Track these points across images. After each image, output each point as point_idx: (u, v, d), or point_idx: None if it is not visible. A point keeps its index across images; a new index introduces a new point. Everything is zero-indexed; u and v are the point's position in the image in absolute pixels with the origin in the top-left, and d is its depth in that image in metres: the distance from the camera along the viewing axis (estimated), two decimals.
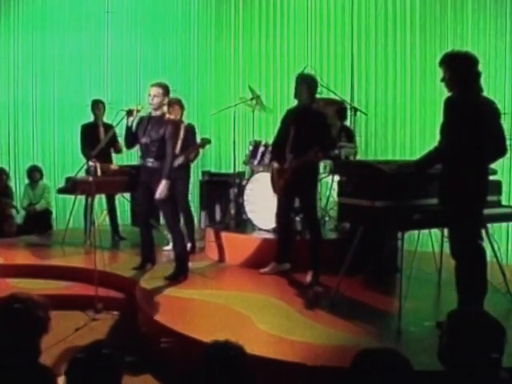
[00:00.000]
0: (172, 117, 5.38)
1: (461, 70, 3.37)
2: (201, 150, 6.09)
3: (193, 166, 6.17)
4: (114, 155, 6.58)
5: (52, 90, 8.32)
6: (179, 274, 4.82)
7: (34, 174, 7.69)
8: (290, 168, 4.66)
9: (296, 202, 4.99)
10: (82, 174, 5.70)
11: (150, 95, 4.74)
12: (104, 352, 1.92)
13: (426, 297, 4.37)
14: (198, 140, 5.89)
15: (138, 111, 4.84)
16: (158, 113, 4.80)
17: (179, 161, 5.66)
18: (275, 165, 4.86)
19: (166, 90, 4.77)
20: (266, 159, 5.68)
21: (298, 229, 5.47)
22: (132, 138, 4.90)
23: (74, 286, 5.15)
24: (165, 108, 4.91)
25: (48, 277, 5.29)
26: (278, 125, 4.99)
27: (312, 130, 4.56)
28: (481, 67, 3.44)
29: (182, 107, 5.79)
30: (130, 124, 4.84)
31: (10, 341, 2.05)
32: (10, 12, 8.23)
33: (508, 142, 3.63)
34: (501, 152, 3.57)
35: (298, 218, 5.43)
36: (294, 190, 4.75)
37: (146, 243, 5.19)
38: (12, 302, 2.13)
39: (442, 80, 3.46)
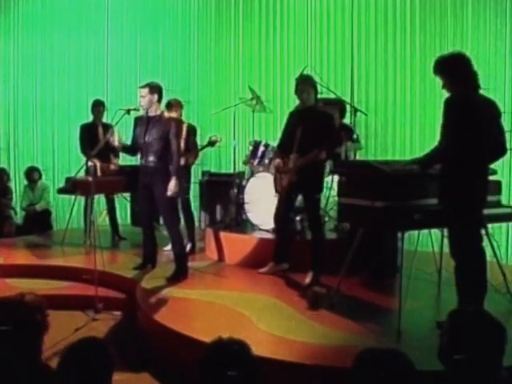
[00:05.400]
0: (173, 115, 5.40)
1: (453, 72, 3.38)
2: (200, 153, 6.12)
3: (193, 166, 6.18)
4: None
5: (52, 90, 8.33)
6: (179, 275, 4.82)
7: (33, 174, 7.69)
8: (295, 167, 4.66)
9: (296, 202, 4.99)
10: (81, 174, 5.70)
11: (140, 97, 4.83)
12: (94, 345, 1.94)
13: (426, 297, 4.37)
14: (209, 139, 5.92)
15: (135, 110, 4.88)
16: (157, 112, 4.82)
17: (181, 162, 5.67)
18: (277, 161, 4.85)
19: (151, 88, 4.77)
20: (266, 159, 5.69)
21: (298, 229, 5.47)
22: (131, 150, 5.08)
23: (74, 286, 5.15)
24: (160, 106, 4.92)
25: (48, 277, 5.28)
26: (283, 127, 4.98)
27: (319, 131, 4.54)
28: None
29: (181, 108, 5.82)
30: (117, 143, 4.94)
31: (10, 343, 2.05)
32: (10, 12, 8.25)
33: (508, 142, 3.63)
34: (500, 151, 3.57)
35: (297, 218, 5.43)
36: (298, 189, 4.75)
37: (147, 244, 5.19)
38: (5, 306, 2.12)
39: (443, 87, 3.48)
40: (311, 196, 4.72)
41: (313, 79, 4.77)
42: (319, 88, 4.97)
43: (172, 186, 4.69)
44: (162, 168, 4.75)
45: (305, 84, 4.67)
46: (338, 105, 5.81)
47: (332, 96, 5.93)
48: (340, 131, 5.75)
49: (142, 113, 4.95)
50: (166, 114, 5.00)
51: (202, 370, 1.83)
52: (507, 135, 3.64)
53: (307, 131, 4.60)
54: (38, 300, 2.23)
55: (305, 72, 5.41)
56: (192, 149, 5.85)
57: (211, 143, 5.88)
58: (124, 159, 6.64)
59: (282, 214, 4.92)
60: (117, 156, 6.51)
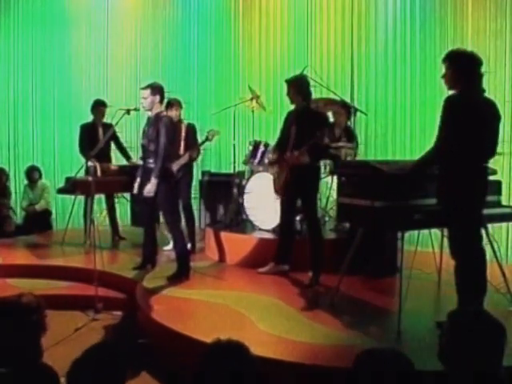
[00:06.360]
0: (173, 114, 5.41)
1: (464, 69, 3.36)
2: (201, 149, 6.12)
3: (193, 165, 6.19)
4: (113, 155, 6.57)
5: (52, 90, 8.32)
6: (181, 274, 4.82)
7: (33, 173, 7.68)
8: (288, 165, 4.67)
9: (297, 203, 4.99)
10: (81, 174, 5.70)
11: (141, 98, 4.81)
12: (106, 354, 1.91)
13: (426, 297, 4.37)
14: (206, 133, 5.92)
15: (136, 110, 4.88)
16: (154, 113, 4.82)
17: (184, 160, 5.70)
18: (274, 156, 4.92)
19: (153, 89, 4.77)
20: (266, 159, 5.69)
21: (298, 229, 5.47)
22: None
23: (74, 286, 5.15)
24: (160, 107, 4.92)
25: (48, 277, 5.28)
26: (281, 127, 5.01)
27: (312, 130, 4.54)
28: (482, 68, 3.43)
29: (181, 108, 5.83)
30: None
31: (10, 343, 2.04)
32: (10, 11, 8.23)
33: (508, 143, 3.62)
34: (490, 155, 3.54)
35: (297, 218, 5.43)
36: (296, 190, 4.75)
37: (148, 244, 5.19)
38: (1, 307, 2.12)
39: (443, 76, 3.45)
40: (307, 196, 4.73)
41: (296, 79, 4.79)
42: (320, 88, 4.97)
43: (150, 186, 4.65)
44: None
45: (287, 85, 4.73)
46: (346, 106, 5.82)
47: (332, 96, 5.93)
48: (340, 133, 5.79)
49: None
50: (163, 114, 4.98)
51: (202, 371, 1.83)
52: (508, 135, 3.63)
53: (301, 130, 4.63)
54: (35, 300, 2.22)
55: (304, 72, 5.42)
56: (193, 145, 5.86)
57: (208, 138, 5.89)
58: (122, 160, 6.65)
59: (285, 217, 4.93)
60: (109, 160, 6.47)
